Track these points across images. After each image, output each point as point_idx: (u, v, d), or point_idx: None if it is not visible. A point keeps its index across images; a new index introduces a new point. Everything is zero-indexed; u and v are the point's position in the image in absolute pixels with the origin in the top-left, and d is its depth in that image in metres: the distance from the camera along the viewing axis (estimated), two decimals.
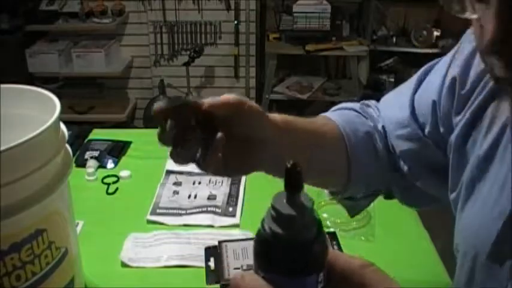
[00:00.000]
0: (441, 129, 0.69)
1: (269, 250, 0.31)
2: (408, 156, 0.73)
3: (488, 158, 0.60)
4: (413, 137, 0.72)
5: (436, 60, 0.75)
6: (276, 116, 0.67)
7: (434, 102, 0.69)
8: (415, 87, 0.75)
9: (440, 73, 0.70)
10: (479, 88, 0.62)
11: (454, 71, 0.66)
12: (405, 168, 0.74)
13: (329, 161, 0.73)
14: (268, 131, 0.63)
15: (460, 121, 0.65)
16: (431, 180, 0.73)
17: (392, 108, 0.77)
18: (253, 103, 0.62)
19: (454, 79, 0.66)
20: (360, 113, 0.79)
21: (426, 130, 0.71)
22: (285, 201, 0.30)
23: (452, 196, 0.67)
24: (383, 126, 0.76)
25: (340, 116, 0.77)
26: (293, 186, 0.30)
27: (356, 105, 0.81)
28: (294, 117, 0.71)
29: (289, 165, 0.30)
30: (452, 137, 0.66)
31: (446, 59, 0.71)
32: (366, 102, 0.81)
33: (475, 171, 0.62)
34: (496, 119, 0.59)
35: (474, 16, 0.43)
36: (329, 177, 0.76)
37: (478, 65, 0.63)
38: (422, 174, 0.74)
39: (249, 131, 0.62)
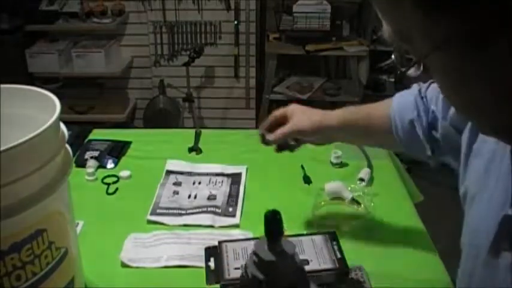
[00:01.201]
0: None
1: None
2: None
3: (492, 157, 0.62)
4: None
5: None
6: (334, 119, 1.01)
7: None
8: None
9: None
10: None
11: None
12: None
13: (379, 143, 1.07)
14: (332, 137, 1.05)
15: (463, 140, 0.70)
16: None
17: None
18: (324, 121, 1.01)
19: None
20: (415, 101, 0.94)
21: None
22: (266, 247, 0.30)
23: (461, 191, 0.71)
24: (432, 112, 0.89)
25: (397, 104, 0.96)
26: (273, 234, 0.30)
27: (415, 93, 0.95)
28: (353, 111, 1.01)
29: (268, 215, 0.30)
30: (464, 136, 0.71)
31: None
32: (422, 93, 0.93)
33: (481, 169, 0.64)
34: (485, 143, 0.64)
35: None
36: (382, 147, 1.17)
37: None
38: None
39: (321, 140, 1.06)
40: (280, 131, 1.01)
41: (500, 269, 0.58)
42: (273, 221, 0.30)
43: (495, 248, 0.59)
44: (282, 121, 1.03)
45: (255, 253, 0.31)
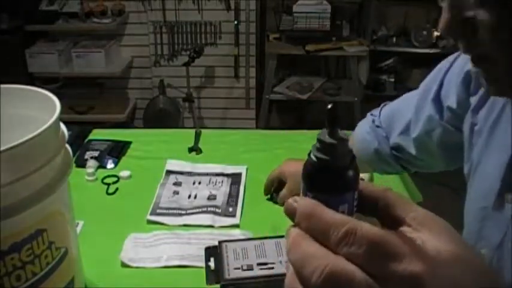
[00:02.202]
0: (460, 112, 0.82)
1: (317, 174, 0.39)
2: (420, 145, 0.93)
3: (494, 128, 0.69)
4: (434, 127, 0.88)
5: (447, 60, 0.87)
6: None
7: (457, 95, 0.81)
8: (438, 87, 0.87)
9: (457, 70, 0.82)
10: None
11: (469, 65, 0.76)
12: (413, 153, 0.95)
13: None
14: None
15: (474, 100, 0.76)
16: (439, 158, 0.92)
17: (404, 116, 0.96)
18: None
19: (468, 72, 0.77)
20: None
21: (445, 117, 0.86)
22: (327, 135, 0.38)
23: (466, 170, 0.78)
24: (387, 138, 1.00)
25: (358, 140, 1.05)
26: (332, 122, 0.38)
27: (369, 124, 1.04)
28: None
29: (329, 107, 0.38)
30: (466, 124, 0.77)
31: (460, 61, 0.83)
32: (376, 123, 1.03)
33: (483, 140, 0.72)
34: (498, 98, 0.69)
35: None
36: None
37: None
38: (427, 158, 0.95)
39: None
40: (282, 195, 1.17)
41: (504, 221, 0.64)
42: (333, 112, 0.38)
43: (500, 199, 0.66)
44: (278, 181, 1.19)
45: (318, 140, 0.39)
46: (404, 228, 0.36)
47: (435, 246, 0.34)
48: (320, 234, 0.35)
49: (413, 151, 0.94)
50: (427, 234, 0.35)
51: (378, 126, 1.03)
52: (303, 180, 0.40)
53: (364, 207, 0.40)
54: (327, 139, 0.38)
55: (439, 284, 0.32)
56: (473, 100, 0.77)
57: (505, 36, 0.51)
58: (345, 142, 0.38)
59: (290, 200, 0.38)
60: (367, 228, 0.34)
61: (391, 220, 0.38)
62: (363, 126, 1.06)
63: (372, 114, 1.07)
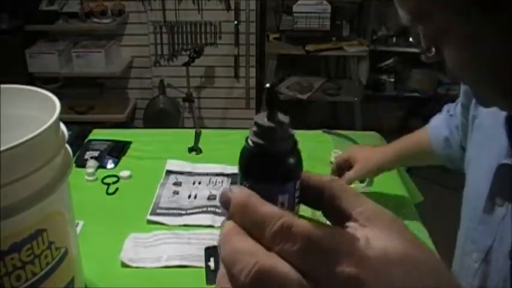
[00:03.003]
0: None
1: (252, 161, 0.35)
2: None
3: (493, 123, 0.69)
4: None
5: None
6: (391, 156, 1.17)
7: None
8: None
9: None
10: None
11: None
12: None
13: (426, 163, 1.19)
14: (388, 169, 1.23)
15: None
16: None
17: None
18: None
19: None
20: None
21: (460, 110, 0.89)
22: (265, 118, 0.35)
23: (466, 157, 0.79)
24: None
25: (432, 127, 1.09)
26: (271, 103, 0.35)
27: (444, 114, 1.07)
28: (405, 145, 1.18)
29: (268, 86, 0.35)
30: (472, 106, 0.78)
31: None
32: (450, 112, 1.05)
33: (482, 135, 0.72)
34: None
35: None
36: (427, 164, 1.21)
37: None
38: None
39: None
40: (349, 177, 1.18)
41: (494, 225, 0.64)
42: (271, 92, 0.35)
43: (490, 203, 0.65)
44: (347, 165, 1.21)
45: (255, 123, 0.35)
46: (351, 224, 0.33)
47: (381, 244, 0.31)
48: (254, 229, 0.32)
49: None
50: (374, 230, 0.32)
51: (451, 115, 1.03)
52: (239, 167, 0.36)
53: (308, 198, 0.36)
54: (265, 122, 0.34)
55: (380, 285, 0.30)
56: None
57: (470, 74, 0.54)
58: (285, 126, 0.34)
59: (225, 189, 0.35)
60: (303, 224, 0.31)
61: (337, 214, 0.35)
62: (438, 116, 1.09)
63: (448, 106, 1.08)
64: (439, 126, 1.05)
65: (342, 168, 1.21)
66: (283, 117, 0.35)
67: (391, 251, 0.31)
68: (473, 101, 0.77)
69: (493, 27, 0.49)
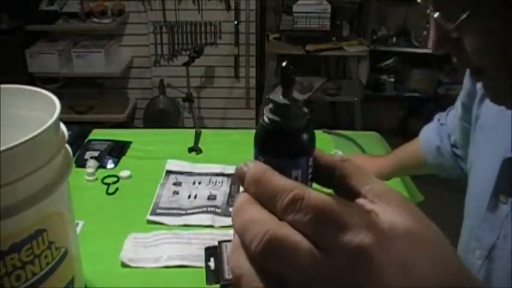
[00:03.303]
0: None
1: (268, 137, 0.36)
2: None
3: (497, 122, 0.69)
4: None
5: None
6: (389, 167, 1.17)
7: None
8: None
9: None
10: None
11: None
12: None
13: (421, 173, 1.19)
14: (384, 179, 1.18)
15: (480, 87, 0.77)
16: None
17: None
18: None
19: None
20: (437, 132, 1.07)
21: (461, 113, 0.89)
22: (280, 95, 0.36)
23: (468, 164, 0.79)
24: (450, 136, 1.03)
25: (423, 137, 1.10)
26: (286, 82, 0.35)
27: (435, 123, 1.09)
28: (401, 156, 1.17)
29: (283, 65, 0.35)
30: (474, 106, 0.78)
31: None
32: (441, 121, 1.06)
33: (486, 135, 0.72)
34: None
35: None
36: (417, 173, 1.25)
37: None
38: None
39: None
40: None
41: (497, 222, 0.64)
42: (287, 71, 0.35)
43: (494, 201, 0.65)
44: None
45: (271, 100, 0.36)
46: (360, 200, 0.34)
47: (389, 220, 0.31)
48: (267, 200, 0.33)
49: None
50: (383, 206, 0.33)
51: (442, 124, 1.05)
52: (254, 143, 0.37)
53: (320, 176, 0.37)
54: (280, 99, 0.35)
55: (387, 258, 0.30)
56: (480, 88, 0.77)
57: (493, 57, 0.51)
58: (299, 103, 0.36)
59: (241, 165, 0.36)
60: (315, 195, 0.31)
61: (347, 191, 0.36)
62: (429, 126, 1.10)
63: (439, 115, 1.10)
64: (430, 136, 1.06)
65: None
66: (297, 95, 0.36)
67: (399, 226, 0.31)
68: (476, 100, 0.77)
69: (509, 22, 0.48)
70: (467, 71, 0.81)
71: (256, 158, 0.37)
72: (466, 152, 0.87)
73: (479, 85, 0.77)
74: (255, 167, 0.35)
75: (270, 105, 0.36)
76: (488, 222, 0.66)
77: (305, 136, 0.36)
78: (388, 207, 0.32)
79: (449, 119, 1.02)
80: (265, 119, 0.36)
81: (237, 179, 0.36)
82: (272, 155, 0.36)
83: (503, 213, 0.63)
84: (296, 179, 0.36)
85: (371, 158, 1.25)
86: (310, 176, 0.37)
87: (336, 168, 0.36)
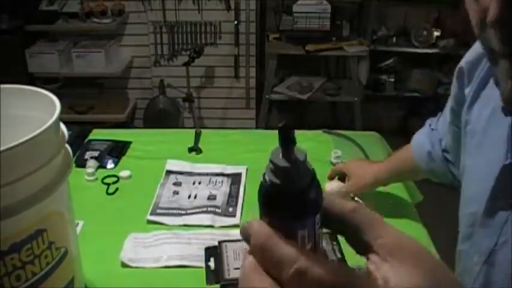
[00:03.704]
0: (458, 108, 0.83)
1: (269, 199, 0.36)
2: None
3: (488, 126, 0.68)
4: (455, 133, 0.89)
5: None
6: (384, 172, 1.16)
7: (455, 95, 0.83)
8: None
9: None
10: (481, 65, 0.72)
11: (462, 62, 0.78)
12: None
13: (416, 178, 1.23)
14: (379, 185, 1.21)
15: (468, 93, 0.75)
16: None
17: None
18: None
19: (461, 67, 0.79)
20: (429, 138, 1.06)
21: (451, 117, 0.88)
22: (280, 155, 0.35)
23: (460, 167, 0.78)
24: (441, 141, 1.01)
25: (415, 143, 1.09)
26: (286, 143, 0.34)
27: (427, 128, 1.07)
28: (396, 162, 1.16)
29: (281, 125, 0.34)
30: (464, 111, 0.77)
31: None
32: (432, 126, 1.05)
33: (476, 140, 0.70)
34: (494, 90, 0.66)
35: None
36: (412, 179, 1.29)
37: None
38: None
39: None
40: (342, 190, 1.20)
41: (496, 228, 0.62)
42: (286, 132, 0.34)
43: (492, 208, 0.63)
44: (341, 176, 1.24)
45: (271, 161, 0.35)
46: (372, 257, 0.35)
47: (401, 283, 0.31)
48: (272, 268, 0.34)
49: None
50: (395, 266, 0.33)
51: (433, 130, 1.04)
52: (258, 200, 0.37)
53: (331, 227, 0.37)
54: (280, 162, 0.34)
55: None
56: (468, 93, 0.76)
57: None
58: (301, 164, 0.34)
59: (246, 224, 0.36)
60: (318, 268, 0.32)
61: (359, 244, 0.36)
62: (421, 131, 1.09)
63: (430, 120, 1.09)
64: (421, 142, 1.05)
65: (336, 175, 1.25)
66: (299, 154, 0.35)
67: None
68: (465, 105, 0.76)
69: None
70: (455, 77, 0.80)
71: (260, 217, 0.37)
72: (458, 157, 0.86)
73: (467, 90, 0.76)
74: (259, 232, 0.35)
75: (271, 166, 0.35)
76: (485, 227, 0.65)
77: (309, 196, 0.35)
78: (401, 266, 0.33)
79: (440, 124, 1.02)
80: (267, 179, 0.36)
81: (242, 238, 0.36)
82: (276, 217, 0.35)
83: (502, 219, 0.62)
84: (303, 238, 0.35)
85: (367, 163, 1.25)
86: (317, 232, 0.36)
87: (347, 219, 0.36)
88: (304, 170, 0.35)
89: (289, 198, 0.35)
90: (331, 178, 1.26)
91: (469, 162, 0.74)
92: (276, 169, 0.35)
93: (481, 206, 0.65)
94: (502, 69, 0.49)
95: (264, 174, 0.36)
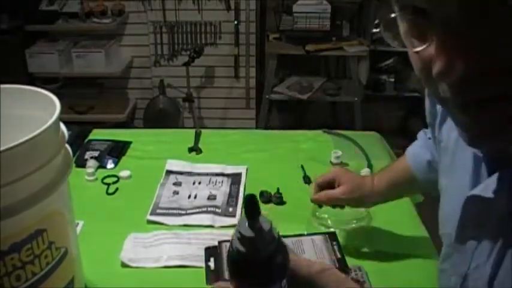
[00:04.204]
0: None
1: (236, 266, 0.37)
2: None
3: (456, 149, 0.66)
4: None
5: None
6: (383, 185, 1.05)
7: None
8: None
9: None
10: None
11: None
12: None
13: (408, 191, 1.15)
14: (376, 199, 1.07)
15: (439, 109, 0.73)
16: None
17: None
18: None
19: None
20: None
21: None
22: (246, 225, 0.36)
23: (439, 181, 0.76)
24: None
25: (411, 153, 1.05)
26: (251, 214, 0.36)
27: (423, 138, 1.04)
28: (393, 175, 1.06)
29: (246, 197, 0.36)
30: (436, 128, 0.75)
31: None
32: (427, 135, 1.01)
33: (448, 160, 0.69)
34: None
35: (416, 49, 0.46)
36: (409, 194, 1.22)
37: None
38: None
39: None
40: (331, 195, 1.05)
41: (468, 253, 0.61)
42: (250, 202, 0.36)
43: (461, 235, 0.63)
44: (329, 186, 1.07)
45: (237, 230, 0.37)
46: None
47: None
48: None
49: None
50: None
51: (430, 138, 0.99)
52: (227, 268, 0.38)
53: (299, 287, 0.37)
54: (246, 231, 0.36)
55: None
56: (439, 109, 0.73)
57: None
58: (266, 233, 0.36)
59: (215, 284, 0.38)
60: None
61: None
62: (415, 143, 1.05)
63: (424, 131, 1.04)
64: (418, 152, 1.01)
65: (323, 188, 1.07)
66: (264, 223, 0.36)
67: None
68: (437, 122, 0.74)
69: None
70: (426, 93, 0.76)
71: (230, 281, 0.38)
72: None
73: (438, 106, 0.73)
74: None
75: (238, 234, 0.37)
76: (459, 252, 0.64)
77: (274, 264, 0.36)
78: None
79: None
80: (234, 247, 0.37)
81: None
82: (243, 283, 0.37)
83: (472, 246, 0.61)
84: None
85: (362, 177, 1.11)
86: None
87: (314, 281, 0.37)
88: (269, 238, 0.36)
89: (254, 267, 0.36)
90: (316, 190, 1.08)
91: (444, 182, 0.72)
92: (242, 238, 0.36)
93: (453, 230, 0.64)
94: (452, 117, 0.49)
95: (232, 240, 0.38)
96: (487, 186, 0.55)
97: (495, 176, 0.55)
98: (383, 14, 0.49)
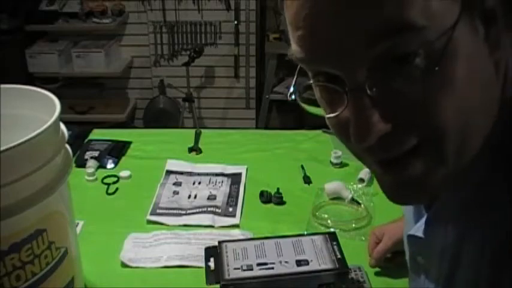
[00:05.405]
0: None
1: None
2: None
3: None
4: None
5: None
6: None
7: None
8: None
9: None
10: None
11: None
12: None
13: None
14: None
15: None
16: None
17: None
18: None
19: None
20: None
21: None
22: None
23: None
24: None
25: None
26: None
27: None
28: None
29: None
30: None
31: None
32: None
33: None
34: None
35: (330, 115, 0.48)
36: None
37: None
38: None
39: None
40: (377, 251, 1.02)
41: (421, 280, 0.62)
42: None
43: (413, 265, 0.63)
44: (379, 241, 1.04)
45: None
46: None
47: None
48: None
49: None
50: None
51: None
52: None
53: None
54: None
55: None
56: None
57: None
58: None
59: None
60: None
61: None
62: None
63: None
64: None
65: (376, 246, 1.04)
66: None
67: None
68: None
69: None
70: None
71: None
72: None
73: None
74: None
75: None
76: (415, 281, 0.64)
77: None
78: None
79: None
80: None
81: None
82: None
83: (423, 279, 0.61)
84: None
85: (393, 224, 1.06)
86: None
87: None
88: None
89: None
90: (374, 244, 1.04)
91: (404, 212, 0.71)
92: None
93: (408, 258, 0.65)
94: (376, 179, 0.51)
95: None
96: (419, 227, 0.57)
97: (425, 217, 0.56)
98: (300, 81, 0.52)
